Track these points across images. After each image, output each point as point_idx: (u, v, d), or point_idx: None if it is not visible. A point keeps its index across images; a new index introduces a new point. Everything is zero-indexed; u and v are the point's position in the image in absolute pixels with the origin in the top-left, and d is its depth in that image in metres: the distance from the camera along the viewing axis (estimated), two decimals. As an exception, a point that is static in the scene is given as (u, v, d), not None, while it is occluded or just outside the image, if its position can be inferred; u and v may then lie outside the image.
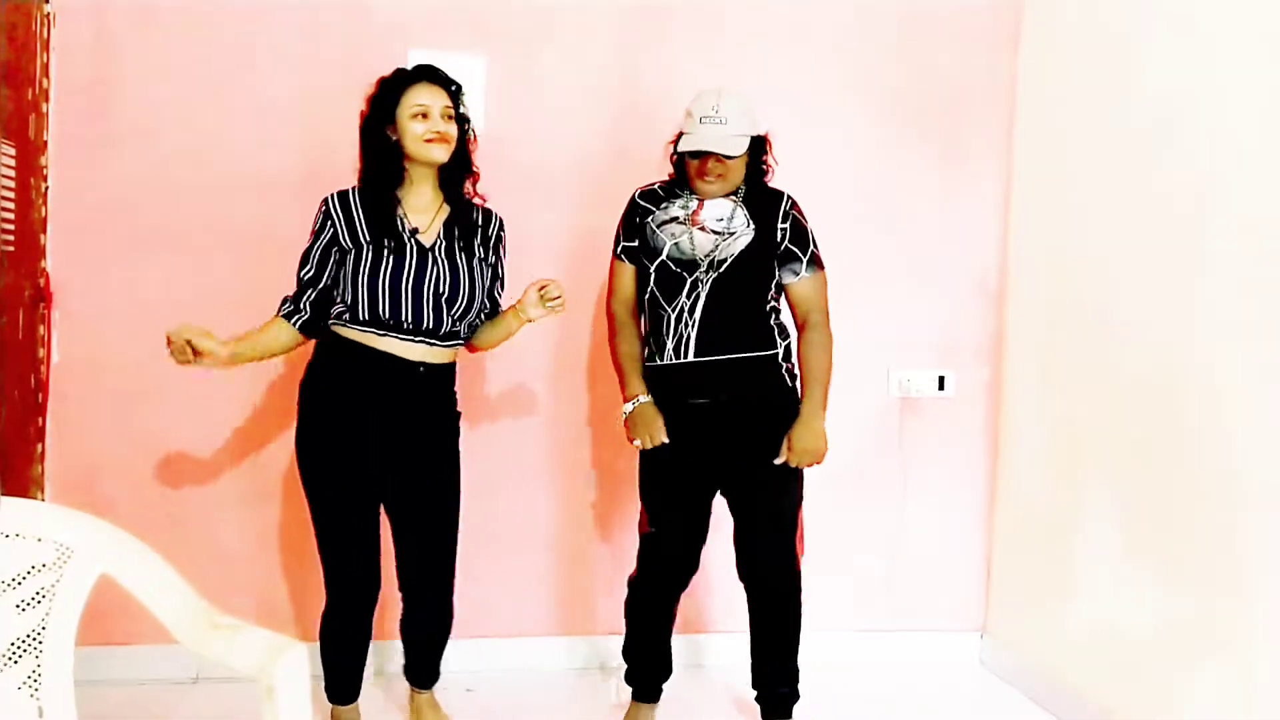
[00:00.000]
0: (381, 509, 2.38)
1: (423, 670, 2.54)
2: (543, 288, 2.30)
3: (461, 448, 2.45)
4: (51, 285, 2.75)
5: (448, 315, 2.27)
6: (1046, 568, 2.94)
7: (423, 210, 2.31)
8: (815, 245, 2.46)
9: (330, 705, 2.48)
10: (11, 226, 2.57)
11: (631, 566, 2.59)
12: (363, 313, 2.23)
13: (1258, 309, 2.20)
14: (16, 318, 2.61)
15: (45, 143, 2.71)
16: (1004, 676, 3.11)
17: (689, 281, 2.36)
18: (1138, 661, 2.53)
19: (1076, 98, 2.88)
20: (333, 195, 2.31)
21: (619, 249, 2.51)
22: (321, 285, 2.29)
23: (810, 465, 2.40)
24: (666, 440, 2.39)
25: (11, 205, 2.56)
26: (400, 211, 2.28)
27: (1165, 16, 2.53)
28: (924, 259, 3.19)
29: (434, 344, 2.29)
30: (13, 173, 2.56)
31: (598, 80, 3.00)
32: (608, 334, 2.55)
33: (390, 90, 2.25)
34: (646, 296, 2.44)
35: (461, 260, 2.31)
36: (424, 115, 2.23)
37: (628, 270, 2.49)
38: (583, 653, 3.08)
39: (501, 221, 2.44)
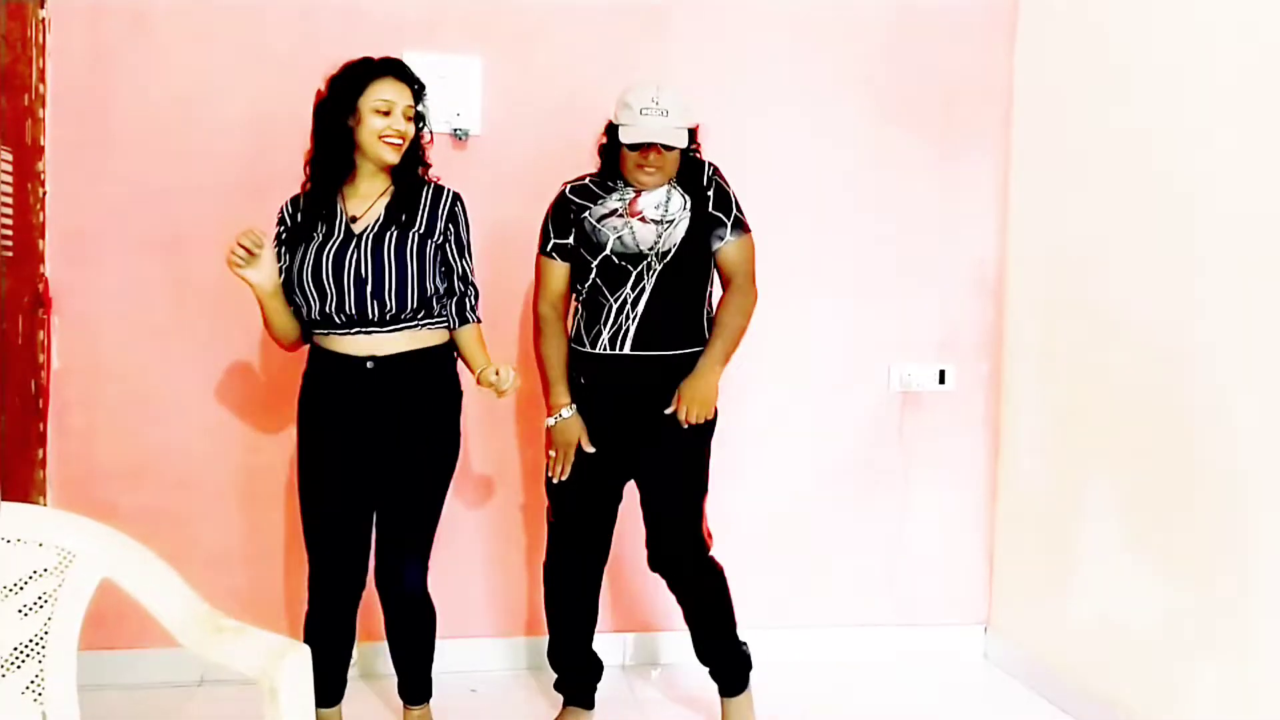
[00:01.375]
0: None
1: (413, 683, 2.47)
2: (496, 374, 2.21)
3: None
4: (51, 290, 2.75)
5: (372, 299, 2.18)
6: (1049, 561, 2.94)
7: (365, 197, 2.27)
8: (739, 210, 2.45)
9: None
10: (10, 232, 2.57)
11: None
12: (305, 313, 2.26)
13: (1257, 301, 2.20)
14: (16, 323, 2.61)
15: (42, 148, 2.71)
16: (1008, 670, 3.11)
17: (634, 274, 2.36)
18: (1141, 654, 2.53)
19: (1073, 92, 2.88)
20: (287, 201, 2.34)
21: (548, 246, 2.47)
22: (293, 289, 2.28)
23: (698, 419, 2.34)
24: (592, 449, 2.40)
25: (10, 210, 2.56)
26: (339, 201, 2.27)
27: (1161, 11, 2.53)
28: (923, 254, 3.19)
29: (378, 333, 2.21)
30: (10, 178, 2.56)
31: (594, 80, 2.99)
32: (533, 334, 2.52)
33: (356, 79, 2.19)
34: (586, 284, 2.41)
35: (391, 239, 2.20)
36: (386, 112, 2.19)
37: (559, 268, 2.46)
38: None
39: (455, 195, 2.33)
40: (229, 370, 2.86)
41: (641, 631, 3.12)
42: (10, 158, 2.56)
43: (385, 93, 2.19)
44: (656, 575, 2.49)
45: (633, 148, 2.33)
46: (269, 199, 2.82)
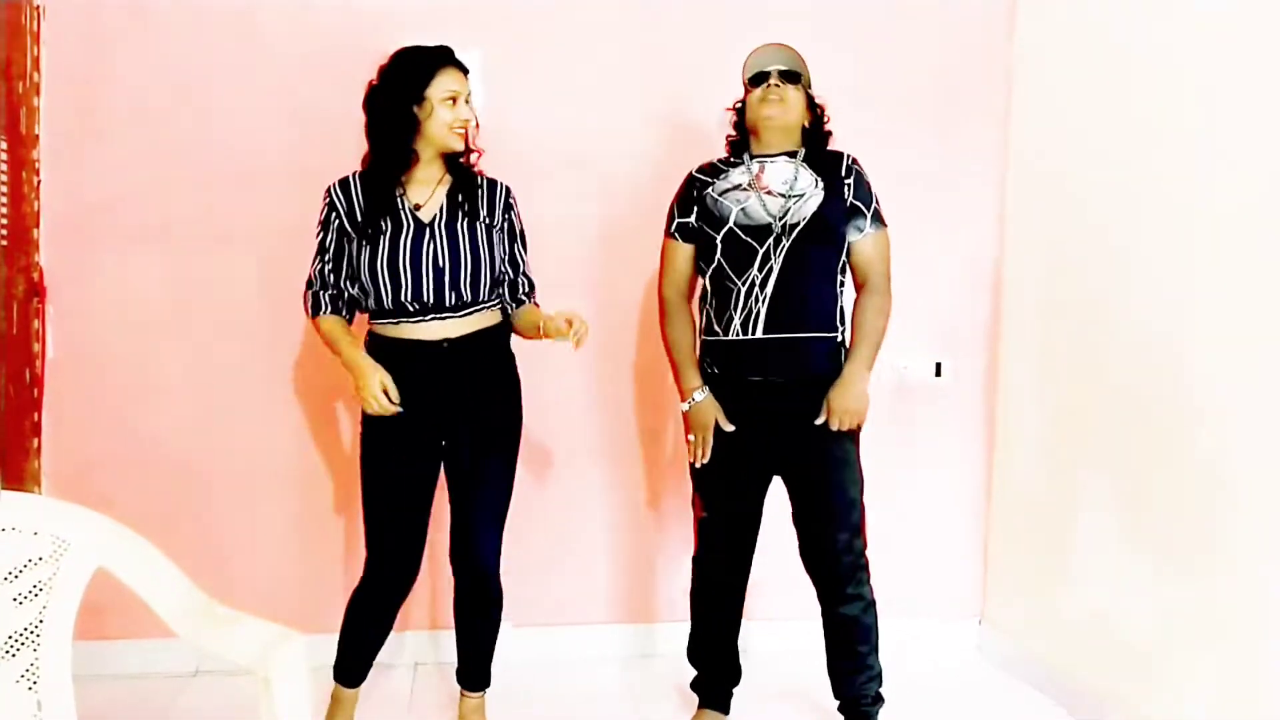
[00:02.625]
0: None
1: (474, 668, 2.47)
2: (571, 324, 2.18)
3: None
4: (45, 280, 2.74)
5: (450, 288, 2.22)
6: (1043, 555, 2.94)
7: (425, 184, 2.28)
8: (878, 202, 2.41)
9: (334, 685, 2.41)
10: (4, 221, 2.56)
11: (679, 553, 2.55)
12: (374, 303, 2.24)
13: (1253, 297, 2.21)
14: (10, 313, 2.61)
15: (36, 137, 2.70)
16: (1002, 664, 3.12)
17: (760, 253, 2.29)
18: (1135, 647, 2.54)
19: (1072, 84, 2.88)
20: (334, 184, 2.29)
21: (672, 227, 2.42)
22: (342, 276, 2.27)
23: (850, 426, 2.32)
24: (730, 427, 2.34)
25: (4, 200, 2.55)
26: (400, 191, 2.26)
27: (1160, 3, 2.53)
28: (920, 246, 3.18)
29: (450, 318, 2.25)
30: (4, 167, 2.55)
31: (594, 70, 2.99)
32: (659, 318, 2.47)
33: (423, 68, 2.18)
34: (711, 269, 2.35)
35: (463, 229, 2.26)
36: (454, 101, 2.21)
37: (683, 250, 2.41)
38: (596, 641, 3.09)
39: (508, 188, 2.39)
40: (224, 360, 2.86)
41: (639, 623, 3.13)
42: (5, 146, 2.55)
43: (451, 83, 2.21)
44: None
45: (754, 81, 2.36)
46: (264, 188, 2.83)
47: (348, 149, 2.55)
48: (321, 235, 2.28)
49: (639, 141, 3.01)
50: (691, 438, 2.38)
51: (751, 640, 3.08)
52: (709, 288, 2.39)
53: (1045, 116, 3.02)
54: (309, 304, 2.31)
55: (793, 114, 2.35)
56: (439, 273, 2.22)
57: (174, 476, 2.84)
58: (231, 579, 2.83)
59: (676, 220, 2.42)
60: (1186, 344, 2.39)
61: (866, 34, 3.11)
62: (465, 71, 2.26)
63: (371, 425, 2.27)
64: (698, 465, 2.38)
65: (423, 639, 2.99)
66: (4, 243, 2.56)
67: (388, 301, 2.22)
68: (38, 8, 2.69)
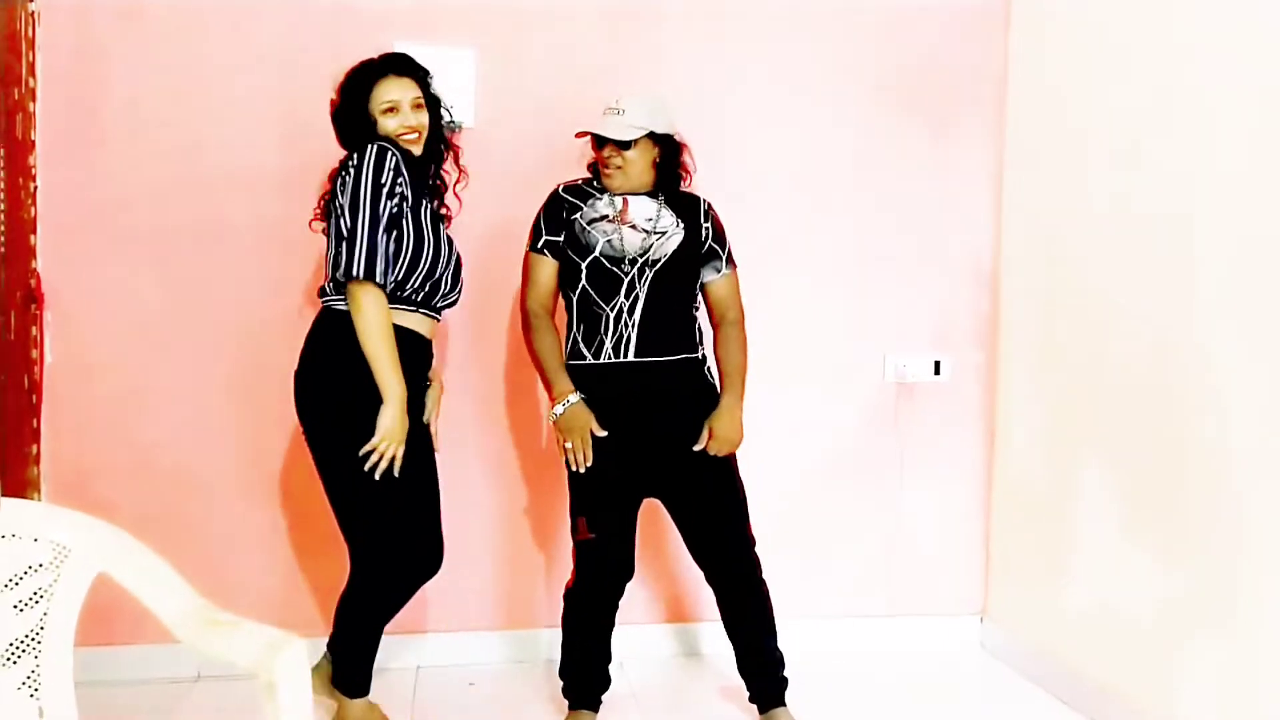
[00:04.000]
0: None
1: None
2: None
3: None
4: (43, 286, 2.73)
5: (458, 286, 2.38)
6: (1045, 550, 2.94)
7: None
8: (730, 245, 2.54)
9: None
10: (1, 228, 2.55)
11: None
12: (414, 294, 2.23)
13: (1252, 289, 2.21)
14: (9, 319, 2.60)
15: (33, 142, 2.70)
16: (1004, 659, 3.12)
17: (625, 281, 2.39)
18: (1137, 641, 2.54)
19: (1068, 81, 2.88)
20: (392, 149, 2.15)
21: (539, 243, 2.48)
22: (392, 245, 2.14)
23: (725, 453, 2.42)
24: (604, 433, 2.37)
25: (1, 206, 2.55)
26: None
27: (1155, -4, 2.53)
28: (917, 244, 3.19)
29: (438, 319, 2.38)
30: (1, 174, 2.55)
31: (587, 69, 2.99)
32: (523, 330, 2.50)
33: (359, 84, 2.25)
34: (576, 293, 2.44)
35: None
36: (394, 109, 2.24)
37: (548, 265, 2.48)
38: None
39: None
40: (222, 365, 2.86)
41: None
42: (1, 153, 2.55)
43: (389, 93, 2.24)
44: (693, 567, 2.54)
45: (597, 145, 2.44)
46: (260, 192, 2.83)
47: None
48: (386, 195, 2.10)
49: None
50: (569, 444, 2.37)
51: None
52: (575, 312, 2.45)
53: (1041, 111, 3.02)
54: (363, 267, 2.06)
55: (635, 175, 2.43)
56: (459, 271, 2.34)
57: (173, 482, 2.83)
58: (231, 584, 2.83)
59: (545, 237, 2.47)
60: (1185, 337, 2.39)
61: (862, 31, 3.12)
62: (416, 74, 2.28)
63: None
64: (581, 470, 2.38)
65: (426, 642, 2.99)
66: (1, 249, 2.56)
67: (446, 286, 2.28)
68: (33, 14, 2.69)
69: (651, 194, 2.48)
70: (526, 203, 2.94)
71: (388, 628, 2.94)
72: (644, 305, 2.40)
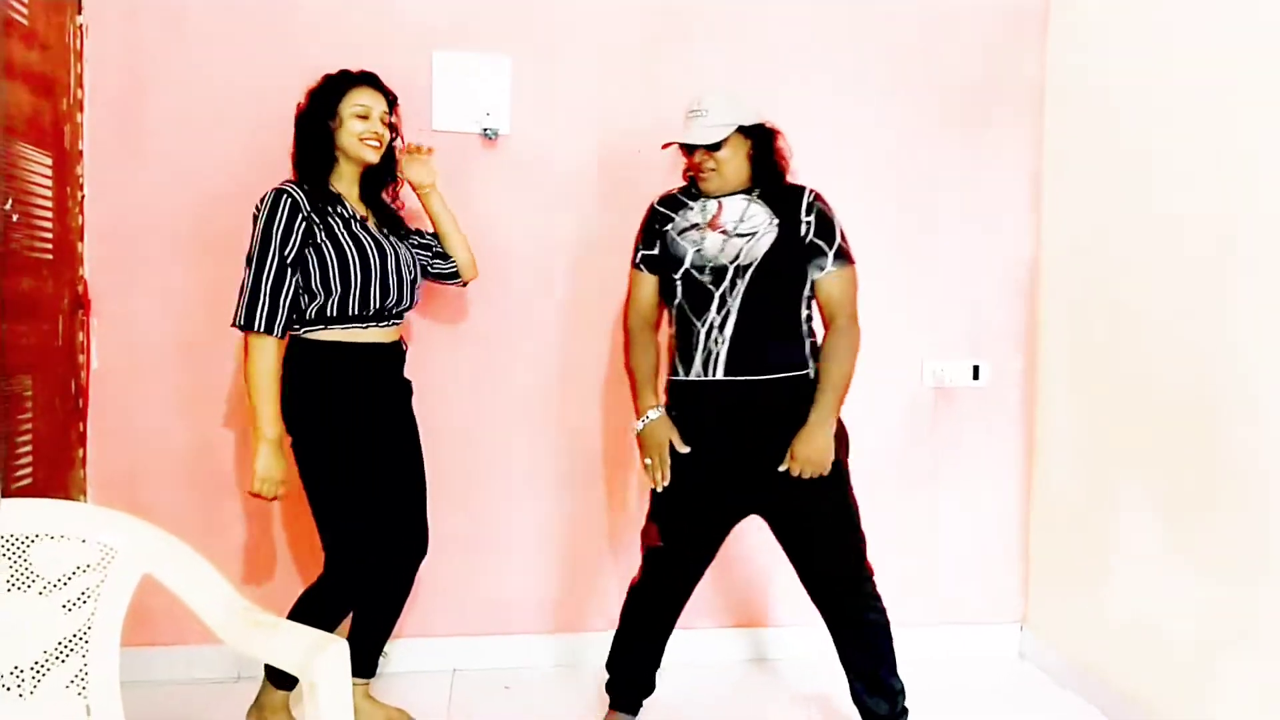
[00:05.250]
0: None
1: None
2: (407, 150, 2.48)
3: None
4: (90, 292, 2.79)
5: (411, 292, 2.41)
6: (1084, 559, 2.90)
7: (355, 202, 2.40)
8: (844, 239, 2.35)
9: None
10: (49, 235, 2.61)
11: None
12: (349, 309, 2.28)
13: (1299, 291, 2.17)
14: (56, 325, 2.66)
15: (80, 152, 2.76)
16: (1043, 668, 3.08)
17: (717, 295, 2.29)
18: (1177, 652, 2.50)
19: (1107, 84, 2.85)
20: (289, 188, 2.25)
21: (638, 258, 2.44)
22: (295, 285, 2.25)
23: (811, 476, 2.26)
24: (685, 449, 2.30)
25: (49, 214, 2.61)
26: (345, 201, 2.36)
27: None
28: (957, 249, 3.17)
29: (397, 324, 2.41)
30: (50, 182, 2.60)
31: (622, 79, 3.00)
32: (624, 346, 2.47)
33: (336, 87, 2.34)
34: (674, 308, 2.37)
35: (402, 239, 2.46)
36: (365, 116, 2.33)
37: (648, 280, 2.43)
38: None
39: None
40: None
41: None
42: (49, 162, 2.60)
43: (363, 99, 2.34)
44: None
45: (687, 152, 2.35)
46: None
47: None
48: (278, 240, 2.21)
49: (666, 151, 3.01)
50: (648, 461, 2.33)
51: (770, 648, 3.08)
52: (675, 326, 2.39)
53: (1080, 116, 2.98)
54: (262, 321, 2.20)
55: (732, 175, 2.32)
56: (402, 278, 2.36)
57: (217, 484, 2.87)
58: (273, 586, 2.87)
59: (642, 252, 2.43)
60: (1227, 344, 2.35)
61: (899, 36, 3.10)
62: (388, 95, 2.39)
63: (341, 432, 2.29)
64: (658, 489, 2.34)
65: (462, 645, 3.01)
66: (50, 257, 2.62)
67: (373, 304, 2.31)
68: (80, 26, 2.74)
69: (747, 191, 2.35)
70: (559, 210, 2.97)
71: (424, 630, 2.96)
72: (737, 318, 2.27)
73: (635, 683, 2.53)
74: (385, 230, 2.41)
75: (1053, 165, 3.13)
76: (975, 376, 3.16)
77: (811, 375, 2.33)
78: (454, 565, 2.93)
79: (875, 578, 2.38)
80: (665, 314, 2.47)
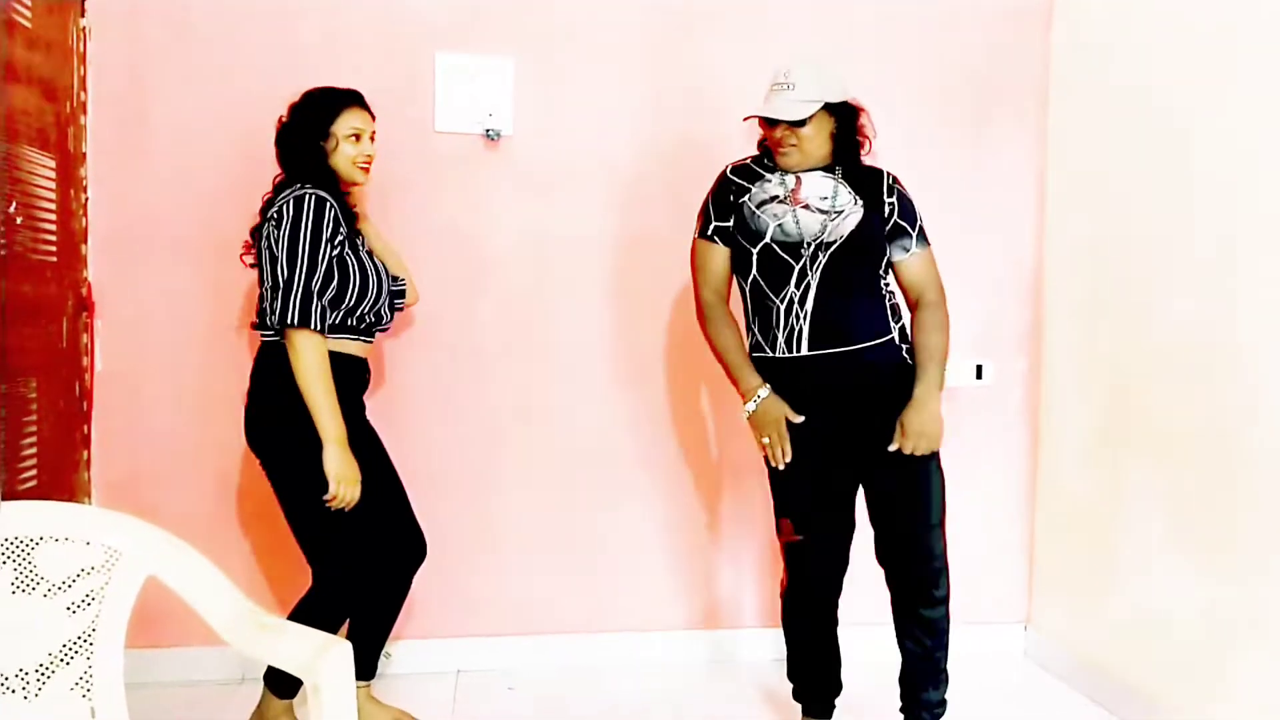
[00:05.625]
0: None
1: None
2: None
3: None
4: (93, 294, 2.79)
5: (392, 310, 2.43)
6: (1090, 558, 2.90)
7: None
8: (921, 221, 2.35)
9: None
10: (53, 237, 2.61)
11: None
12: (355, 321, 2.30)
13: (1304, 289, 2.16)
14: (60, 327, 2.66)
15: (84, 154, 2.76)
16: (1049, 668, 3.08)
17: (796, 269, 2.23)
18: (1184, 651, 2.49)
19: (1111, 82, 2.84)
20: (325, 195, 2.21)
21: (708, 230, 2.33)
22: (334, 289, 2.22)
23: (925, 451, 2.24)
24: (800, 418, 2.24)
25: (53, 216, 2.61)
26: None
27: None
28: (960, 247, 3.15)
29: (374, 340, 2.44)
30: (53, 184, 2.61)
31: (625, 79, 3.00)
32: (700, 322, 2.38)
33: (328, 107, 2.31)
34: (749, 283, 2.30)
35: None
36: (357, 138, 2.32)
37: (719, 252, 2.32)
38: (631, 648, 3.09)
39: None
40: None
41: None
42: (53, 164, 2.61)
43: (356, 121, 2.33)
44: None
45: (768, 125, 2.27)
46: (305, 202, 2.86)
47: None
48: (324, 239, 2.18)
49: (669, 151, 3.02)
50: (766, 440, 2.26)
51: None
52: (749, 303, 2.34)
53: (1083, 116, 2.98)
54: (298, 314, 2.15)
55: (812, 152, 2.27)
56: (394, 289, 2.41)
57: (221, 486, 2.88)
58: (278, 588, 2.87)
59: (713, 223, 2.33)
60: (1231, 342, 2.35)
61: (902, 36, 3.10)
62: (371, 115, 2.38)
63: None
64: (780, 466, 2.27)
65: (466, 646, 3.01)
66: (53, 259, 2.62)
67: (370, 319, 2.33)
68: (84, 29, 2.75)
69: (828, 169, 2.29)
70: (562, 211, 2.97)
71: (428, 632, 2.96)
72: (816, 294, 2.22)
73: (823, 686, 2.46)
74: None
75: (1056, 164, 3.12)
76: (979, 376, 3.16)
77: (896, 339, 2.30)
78: (457, 566, 2.93)
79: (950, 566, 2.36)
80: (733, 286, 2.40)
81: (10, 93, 2.40)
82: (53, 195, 2.60)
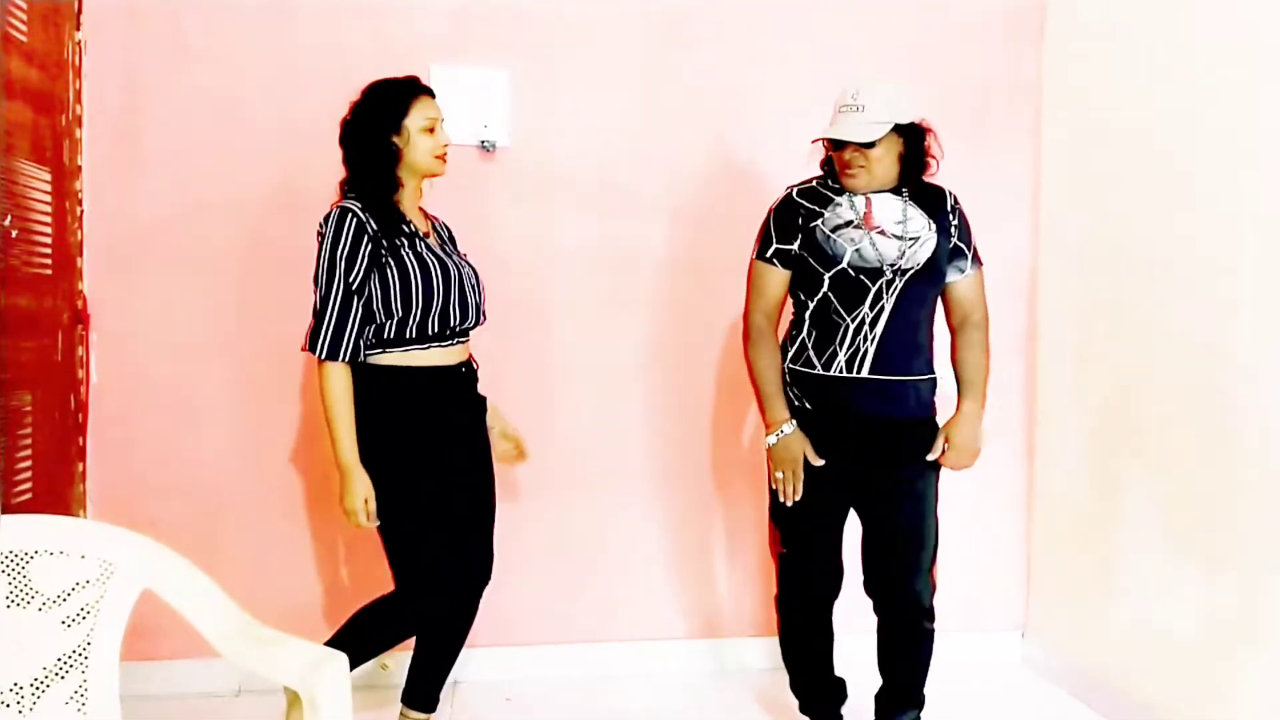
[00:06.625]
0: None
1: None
2: (516, 450, 2.49)
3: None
4: (89, 307, 2.79)
5: (475, 310, 2.31)
6: (1087, 565, 2.90)
7: (415, 217, 2.30)
8: (976, 242, 2.36)
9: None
10: (48, 250, 2.61)
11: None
12: (410, 331, 2.19)
13: (1296, 296, 2.17)
14: (56, 340, 2.66)
15: (79, 167, 2.76)
16: (1046, 675, 3.08)
17: (873, 291, 2.22)
18: (1181, 658, 2.49)
19: (1104, 87, 2.86)
20: (353, 208, 2.18)
21: (768, 252, 2.30)
22: (362, 316, 2.17)
23: (962, 467, 2.29)
24: (820, 462, 2.25)
25: (48, 229, 2.61)
26: (407, 219, 2.26)
27: (1192, 4, 2.50)
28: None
29: (462, 343, 2.32)
30: (48, 197, 2.61)
31: (620, 89, 3.01)
32: (745, 344, 2.36)
33: (400, 99, 2.22)
34: (815, 302, 2.27)
35: (464, 255, 2.39)
36: (432, 129, 2.24)
37: (778, 275, 2.30)
38: (628, 658, 3.08)
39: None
40: (266, 384, 2.89)
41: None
42: (48, 177, 2.61)
43: (429, 111, 2.24)
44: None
45: (835, 147, 2.26)
46: (301, 215, 2.87)
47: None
48: (346, 265, 2.14)
49: (666, 162, 3.03)
50: (780, 474, 2.28)
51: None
52: (809, 319, 2.30)
53: (1078, 120, 2.99)
54: (327, 348, 2.13)
55: (880, 174, 2.24)
56: (471, 293, 2.29)
57: (217, 499, 2.87)
58: (274, 600, 2.86)
59: (775, 245, 2.29)
60: (1228, 345, 2.35)
61: (897, 38, 3.11)
62: (435, 98, 2.29)
63: (413, 457, 2.22)
64: (789, 504, 2.28)
65: (464, 657, 3.00)
66: (49, 272, 2.62)
67: (433, 327, 2.21)
68: (79, 42, 2.75)
69: (895, 190, 2.28)
70: (558, 221, 2.97)
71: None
72: (888, 318, 2.22)
73: (825, 694, 2.47)
74: (445, 247, 2.34)
75: (1050, 170, 3.14)
76: (974, 383, 3.16)
77: (935, 380, 2.33)
78: (454, 577, 2.92)
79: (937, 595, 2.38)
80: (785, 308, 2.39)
81: (5, 106, 2.41)
82: (48, 209, 2.61)
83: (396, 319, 2.17)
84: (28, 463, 2.51)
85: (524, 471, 3.01)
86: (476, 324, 2.33)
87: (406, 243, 2.20)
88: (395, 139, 2.22)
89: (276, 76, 2.86)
